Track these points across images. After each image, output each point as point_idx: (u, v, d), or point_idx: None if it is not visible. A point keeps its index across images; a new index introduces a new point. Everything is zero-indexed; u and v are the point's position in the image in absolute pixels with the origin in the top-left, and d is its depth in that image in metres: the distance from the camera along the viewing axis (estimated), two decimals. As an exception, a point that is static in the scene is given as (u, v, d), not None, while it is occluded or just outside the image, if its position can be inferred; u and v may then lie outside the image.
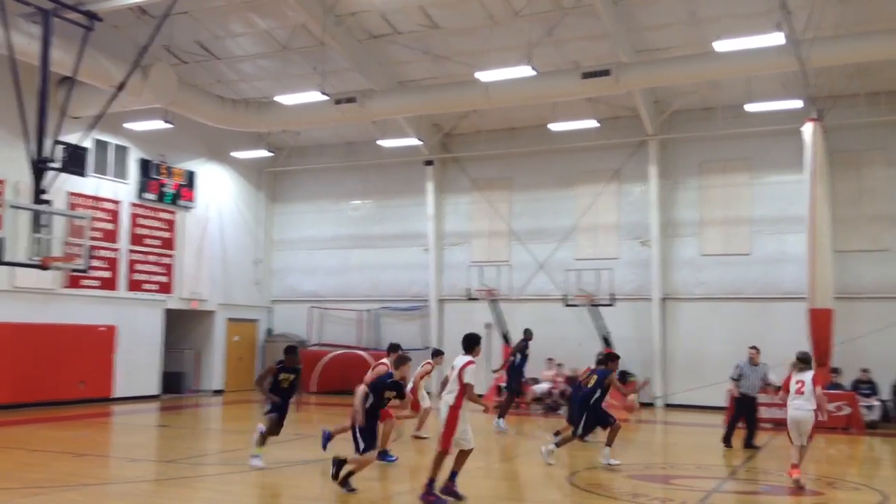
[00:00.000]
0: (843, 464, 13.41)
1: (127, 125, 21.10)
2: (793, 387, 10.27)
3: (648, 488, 10.22)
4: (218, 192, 25.10)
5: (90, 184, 20.15)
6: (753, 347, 14.46)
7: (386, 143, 23.64)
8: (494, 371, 19.10)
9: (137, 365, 21.55)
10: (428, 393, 14.63)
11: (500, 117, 23.33)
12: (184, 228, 23.64)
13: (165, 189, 22.88)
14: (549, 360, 20.77)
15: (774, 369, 14.31)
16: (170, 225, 23.17)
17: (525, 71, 17.24)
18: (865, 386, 18.34)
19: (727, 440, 13.99)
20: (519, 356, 16.70)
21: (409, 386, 12.33)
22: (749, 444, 13.86)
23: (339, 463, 9.19)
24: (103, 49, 16.90)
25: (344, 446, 9.87)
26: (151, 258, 22.43)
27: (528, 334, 16.84)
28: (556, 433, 12.65)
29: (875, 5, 16.97)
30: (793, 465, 10.06)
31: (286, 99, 19.75)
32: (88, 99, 17.55)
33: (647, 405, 21.06)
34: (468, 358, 8.91)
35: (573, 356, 20.23)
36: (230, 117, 21.42)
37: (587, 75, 18.03)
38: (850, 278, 19.51)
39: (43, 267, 13.46)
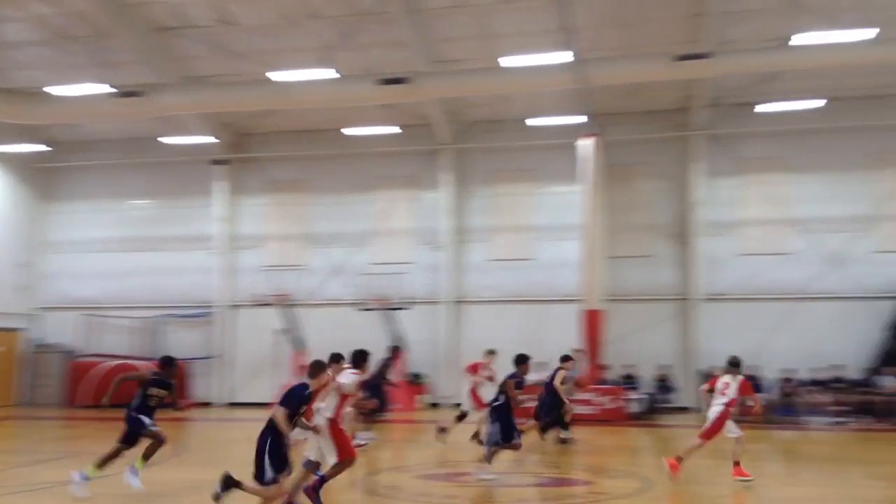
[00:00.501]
0: (609, 453, 14.50)
1: None
2: (718, 387, 10.72)
3: (437, 487, 10.49)
4: (-22, 187, 22.67)
5: None
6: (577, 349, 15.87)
7: (170, 140, 22.52)
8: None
9: None
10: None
11: (298, 119, 23.02)
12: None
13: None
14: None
15: (545, 366, 15.03)
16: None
17: (321, 73, 17.16)
18: (630, 380, 20.06)
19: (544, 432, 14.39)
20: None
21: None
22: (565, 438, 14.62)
23: (227, 484, 7.98)
24: None
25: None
26: None
27: (396, 348, 16.81)
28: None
29: (650, 30, 18.61)
30: (735, 464, 10.57)
31: (62, 90, 18.25)
32: None
33: (434, 405, 21.66)
34: (355, 371, 9.12)
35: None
36: (-4, 107, 19.44)
37: (384, 82, 18.25)
38: (619, 282, 21.20)
39: None
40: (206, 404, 23.02)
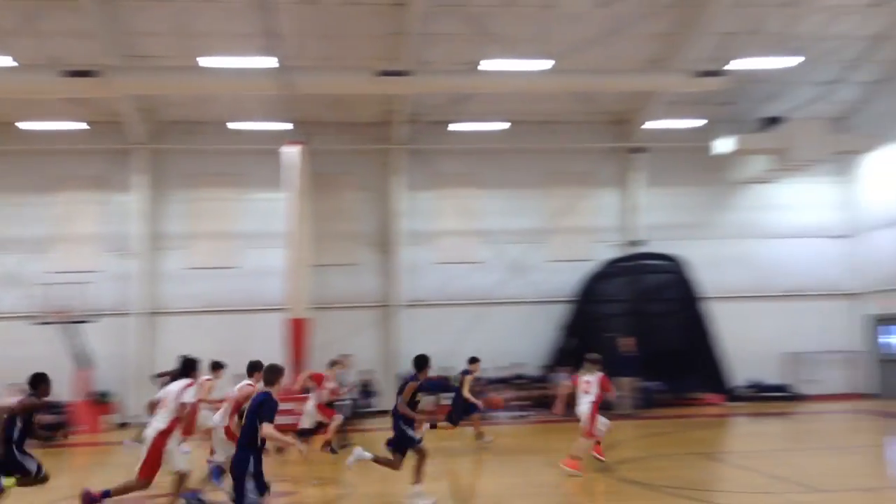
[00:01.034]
0: (321, 462, 14.47)
1: None
2: (581, 386, 11.93)
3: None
4: None
5: None
6: (346, 356, 16.06)
7: None
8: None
9: None
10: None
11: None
12: None
13: None
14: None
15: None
16: None
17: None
18: (367, 387, 20.43)
19: (341, 446, 14.35)
20: None
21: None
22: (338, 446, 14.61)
23: None
24: None
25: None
26: None
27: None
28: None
29: (354, 44, 19.00)
30: (573, 456, 11.53)
31: None
32: None
33: (123, 425, 19.89)
34: (187, 381, 8.97)
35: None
36: None
37: (69, 74, 16.65)
38: (324, 290, 21.40)
39: None
40: None
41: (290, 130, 19.68)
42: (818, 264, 23.57)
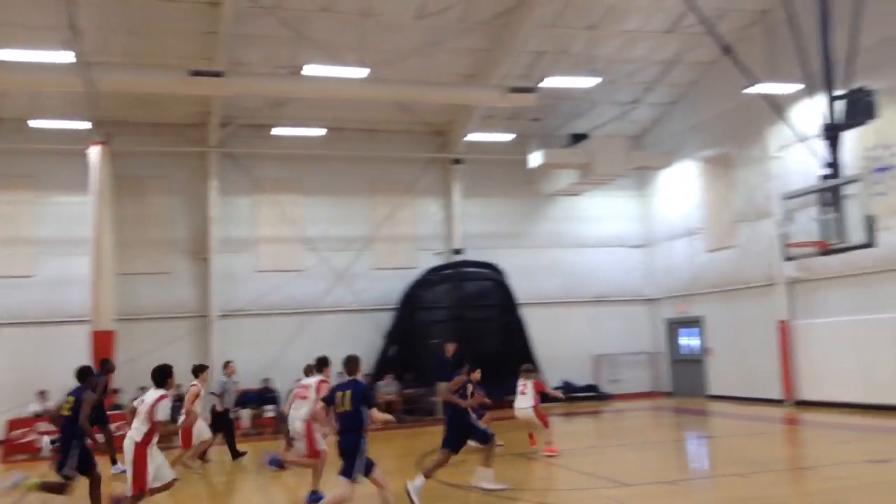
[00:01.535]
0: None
1: None
2: (518, 389, 13.31)
3: None
4: None
5: None
6: (230, 362, 15.71)
7: None
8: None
9: None
10: None
11: None
12: None
13: None
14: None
15: (47, 395, 13.80)
16: None
17: None
18: (268, 394, 20.21)
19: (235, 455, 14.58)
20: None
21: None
22: (237, 454, 14.65)
23: None
24: None
25: None
26: None
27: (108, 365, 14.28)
28: None
29: (164, 42, 18.13)
30: (546, 442, 13.30)
31: None
32: None
33: None
34: (161, 392, 8.64)
35: None
36: None
37: None
38: (132, 300, 20.21)
39: None
40: None
41: (96, 130, 18.44)
42: (621, 272, 25.31)
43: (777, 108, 15.40)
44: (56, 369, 16.34)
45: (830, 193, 12.18)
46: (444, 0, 18.02)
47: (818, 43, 12.66)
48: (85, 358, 17.36)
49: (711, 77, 22.05)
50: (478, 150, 23.48)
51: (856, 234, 11.72)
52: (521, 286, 23.18)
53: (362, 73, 16.76)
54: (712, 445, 15.37)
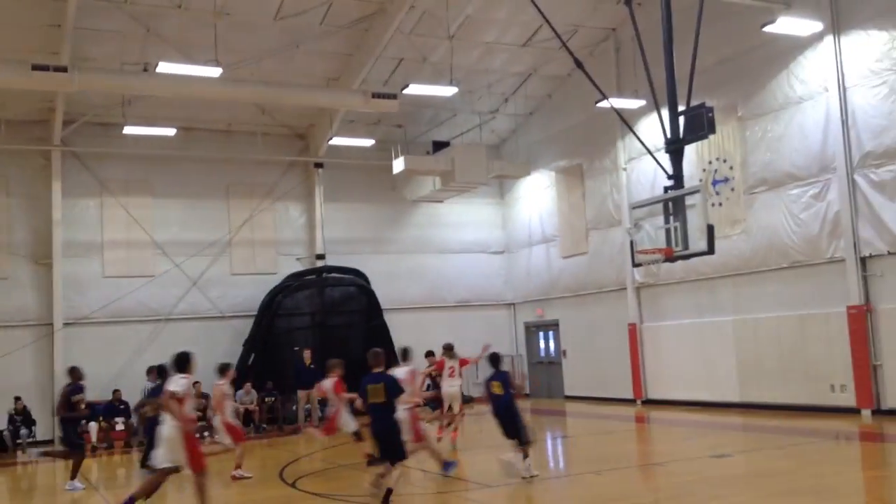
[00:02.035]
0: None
1: None
2: (446, 371, 14.15)
3: None
4: None
5: None
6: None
7: None
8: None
9: None
10: None
11: None
12: None
13: None
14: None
15: None
16: None
17: None
18: (120, 405, 18.71)
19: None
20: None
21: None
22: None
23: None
24: None
25: None
26: None
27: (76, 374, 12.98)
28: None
29: (3, 33, 16.90)
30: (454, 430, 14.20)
31: None
32: None
33: None
34: (185, 375, 9.13)
35: None
36: None
37: None
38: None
39: None
40: None
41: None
42: (482, 277, 25.86)
43: (626, 121, 16.22)
44: None
45: (674, 203, 12.91)
46: (303, 2, 17.80)
47: (663, 61, 13.42)
48: None
49: (565, 90, 22.97)
50: (340, 154, 23.32)
51: (697, 242, 12.46)
52: (384, 292, 23.21)
53: (215, 72, 16.26)
54: (568, 445, 15.94)
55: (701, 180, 17.95)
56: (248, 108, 21.50)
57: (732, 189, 18.03)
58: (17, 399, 18.71)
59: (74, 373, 12.79)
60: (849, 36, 15.63)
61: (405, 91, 18.23)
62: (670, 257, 12.92)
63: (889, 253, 15.04)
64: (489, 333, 24.97)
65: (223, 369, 12.96)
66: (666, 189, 13.36)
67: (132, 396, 19.01)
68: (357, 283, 23.02)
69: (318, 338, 21.58)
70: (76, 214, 20.86)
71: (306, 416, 19.94)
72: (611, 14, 19.98)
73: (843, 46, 15.72)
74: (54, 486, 14.27)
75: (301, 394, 19.80)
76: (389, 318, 23.01)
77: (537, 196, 24.75)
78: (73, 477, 12.47)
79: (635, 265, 14.60)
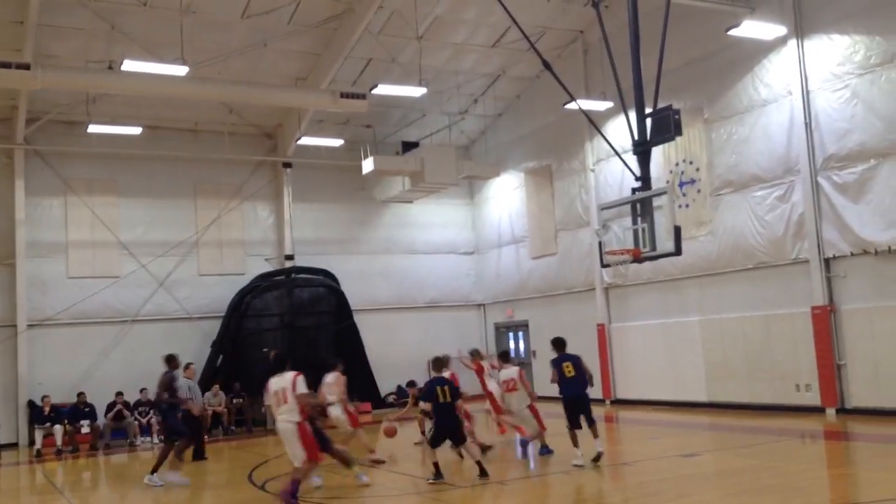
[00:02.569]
0: None
1: None
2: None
3: None
4: None
5: None
6: (191, 364, 15.56)
7: None
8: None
9: None
10: None
11: None
12: None
13: None
14: None
15: None
16: None
17: None
18: (85, 408, 18.44)
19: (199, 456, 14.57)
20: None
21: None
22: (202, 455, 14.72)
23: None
24: None
25: None
26: None
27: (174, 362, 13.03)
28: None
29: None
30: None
31: None
32: None
33: None
34: (293, 373, 9.62)
35: None
36: None
37: None
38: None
39: None
40: None
41: None
42: (452, 278, 25.87)
43: (594, 123, 16.32)
44: None
45: (641, 205, 13.02)
46: (271, 1, 17.67)
47: (630, 63, 13.52)
48: None
49: (534, 92, 23.06)
50: (309, 154, 23.19)
51: (664, 243, 12.57)
52: (354, 293, 23.14)
53: (181, 70, 16.08)
54: (537, 445, 15.94)
55: (668, 182, 18.14)
56: (216, 107, 21.31)
57: (699, 191, 18.23)
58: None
59: (172, 361, 12.77)
60: (812, 40, 15.88)
61: (374, 91, 18.17)
62: (638, 258, 13.02)
63: (852, 254, 15.29)
64: (459, 334, 25.12)
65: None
66: (634, 190, 13.47)
67: (98, 399, 18.78)
68: (326, 284, 22.90)
69: (288, 339, 21.44)
70: (40, 214, 20.52)
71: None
72: (578, 16, 20.10)
73: (806, 50, 15.97)
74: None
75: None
76: (359, 319, 22.96)
77: (507, 197, 24.83)
78: (176, 465, 12.21)
79: (604, 266, 14.68)
